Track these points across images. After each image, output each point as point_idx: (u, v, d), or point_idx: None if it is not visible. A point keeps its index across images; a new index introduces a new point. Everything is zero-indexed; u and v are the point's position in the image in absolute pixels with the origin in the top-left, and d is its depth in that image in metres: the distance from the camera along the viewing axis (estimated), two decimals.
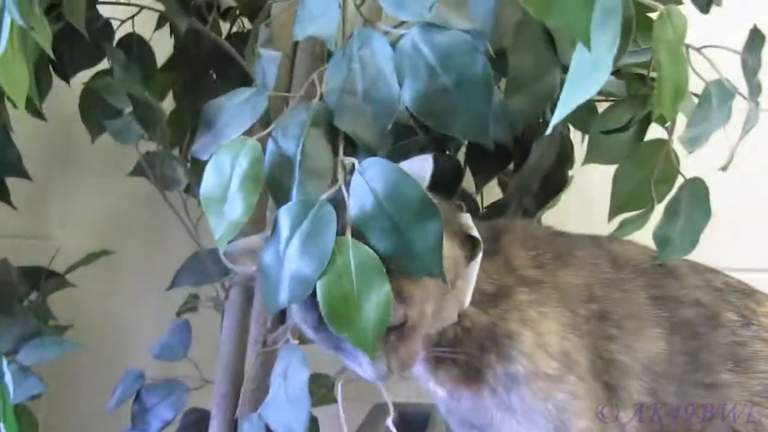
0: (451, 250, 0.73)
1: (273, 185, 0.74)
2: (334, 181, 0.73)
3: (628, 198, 0.88)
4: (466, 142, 0.96)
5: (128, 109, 1.06)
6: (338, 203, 0.69)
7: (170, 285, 1.16)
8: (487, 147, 0.75)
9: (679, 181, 0.87)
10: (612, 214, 0.89)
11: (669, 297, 0.77)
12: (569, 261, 0.77)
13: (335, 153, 0.74)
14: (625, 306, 0.76)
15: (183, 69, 1.20)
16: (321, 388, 1.16)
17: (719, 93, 0.81)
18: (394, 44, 0.74)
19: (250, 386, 1.01)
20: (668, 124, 0.86)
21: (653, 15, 0.75)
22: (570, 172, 1.03)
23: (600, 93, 0.98)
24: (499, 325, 0.74)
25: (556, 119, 0.62)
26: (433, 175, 0.85)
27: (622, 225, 0.89)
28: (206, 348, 1.11)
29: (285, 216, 0.70)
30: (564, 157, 0.97)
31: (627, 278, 0.77)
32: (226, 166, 0.73)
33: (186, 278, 1.15)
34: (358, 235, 0.69)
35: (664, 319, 0.76)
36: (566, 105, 0.61)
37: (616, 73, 0.93)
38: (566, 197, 1.18)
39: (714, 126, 0.80)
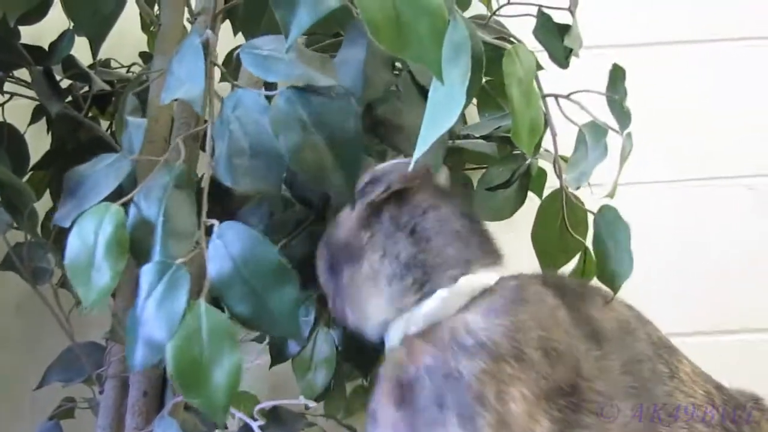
0: None
1: (136, 248, 0.73)
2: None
3: (553, 256, 0.91)
4: None
5: None
6: None
7: (39, 383, 1.08)
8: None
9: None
10: None
11: (632, 358, 0.74)
12: (564, 352, 0.71)
13: (198, 214, 0.73)
14: (603, 386, 0.71)
15: (60, 165, 1.17)
16: None
17: (592, 133, 0.85)
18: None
19: None
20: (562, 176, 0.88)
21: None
22: None
23: (473, 156, 1.02)
24: (470, 383, 0.67)
25: (417, 153, 0.63)
26: (313, 248, 0.85)
27: None
28: None
29: (144, 277, 0.71)
30: None
31: (606, 353, 0.73)
32: (90, 233, 0.73)
33: (57, 375, 1.06)
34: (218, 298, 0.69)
35: (632, 389, 0.72)
36: (426, 139, 0.63)
37: (487, 138, 0.97)
38: None
39: (594, 163, 0.85)
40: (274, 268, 0.69)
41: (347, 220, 0.76)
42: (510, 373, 0.68)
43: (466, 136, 0.98)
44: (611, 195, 0.86)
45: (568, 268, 0.93)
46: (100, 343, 1.07)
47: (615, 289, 0.82)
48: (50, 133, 1.19)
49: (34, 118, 1.17)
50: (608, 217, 0.86)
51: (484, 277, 0.74)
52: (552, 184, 0.92)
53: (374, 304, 0.74)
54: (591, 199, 0.89)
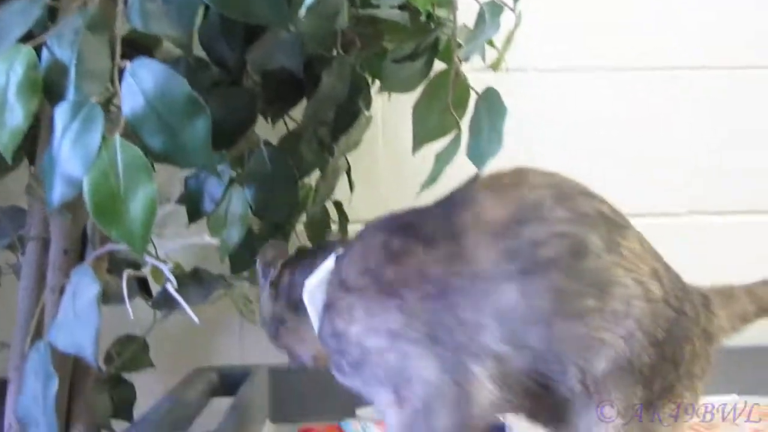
0: None
1: (50, 90, 0.76)
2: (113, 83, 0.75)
3: (428, 129, 0.92)
4: (259, 78, 0.97)
5: None
6: None
7: None
8: (286, 29, 0.82)
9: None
10: (416, 146, 0.92)
11: (525, 243, 0.73)
12: (400, 259, 0.76)
13: (113, 57, 0.76)
14: (468, 271, 0.73)
15: None
16: (131, 349, 1.14)
17: (491, 11, 0.87)
18: None
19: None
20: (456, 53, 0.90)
21: None
22: (368, 112, 1.06)
23: (389, 27, 1.03)
24: (325, 329, 0.79)
25: None
26: (228, 109, 0.87)
27: (437, 160, 0.90)
28: (8, 313, 1.05)
29: (59, 117, 0.73)
30: (357, 90, 1.00)
31: (469, 244, 0.74)
32: (1, 75, 0.75)
33: None
34: (134, 134, 0.72)
35: (515, 271, 0.72)
36: None
37: (402, 7, 0.98)
38: (372, 138, 1.22)
39: (485, 37, 0.88)
40: (185, 101, 0.72)
41: (265, 303, 0.89)
42: (342, 304, 0.78)
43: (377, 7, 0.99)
44: (495, 67, 0.91)
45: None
46: (22, 206, 1.08)
47: (480, 167, 0.85)
48: None
49: None
50: (491, 98, 0.88)
51: (324, 266, 0.83)
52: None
53: (312, 335, 0.85)
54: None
